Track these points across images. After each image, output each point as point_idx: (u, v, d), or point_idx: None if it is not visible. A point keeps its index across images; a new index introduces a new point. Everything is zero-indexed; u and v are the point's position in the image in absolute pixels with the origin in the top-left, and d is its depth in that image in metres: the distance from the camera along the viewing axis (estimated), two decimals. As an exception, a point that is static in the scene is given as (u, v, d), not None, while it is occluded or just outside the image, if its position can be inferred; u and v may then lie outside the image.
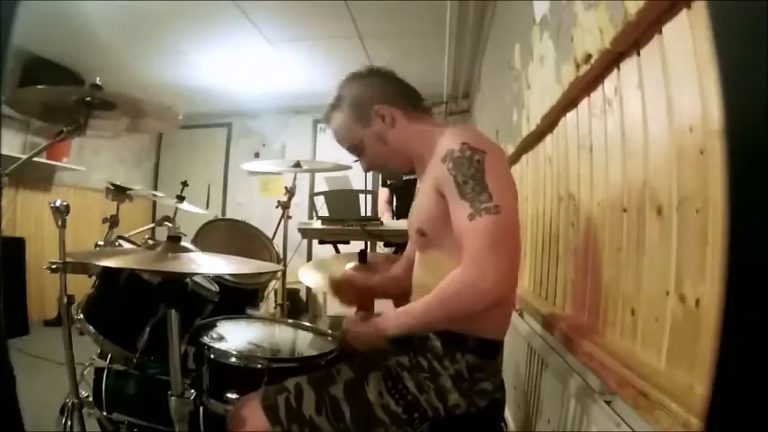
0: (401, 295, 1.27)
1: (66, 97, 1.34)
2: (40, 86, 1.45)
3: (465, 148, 0.96)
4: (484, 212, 0.92)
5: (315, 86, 4.49)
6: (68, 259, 1.32)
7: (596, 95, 1.10)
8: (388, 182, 3.45)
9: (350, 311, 1.28)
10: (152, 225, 2.51)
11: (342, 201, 2.42)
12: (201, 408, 1.10)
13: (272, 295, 2.42)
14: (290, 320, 1.49)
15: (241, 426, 0.97)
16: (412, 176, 3.36)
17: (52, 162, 4.01)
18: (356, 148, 1.16)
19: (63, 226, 1.33)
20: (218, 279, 1.59)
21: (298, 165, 2.23)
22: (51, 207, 1.31)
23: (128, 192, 2.07)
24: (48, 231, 3.75)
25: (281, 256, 2.25)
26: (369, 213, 3.41)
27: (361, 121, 1.12)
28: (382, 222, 2.37)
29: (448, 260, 0.97)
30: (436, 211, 1.02)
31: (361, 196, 3.16)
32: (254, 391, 1.02)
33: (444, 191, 0.99)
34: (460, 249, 0.94)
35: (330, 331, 1.32)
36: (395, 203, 3.48)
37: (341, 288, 1.30)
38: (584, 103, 1.19)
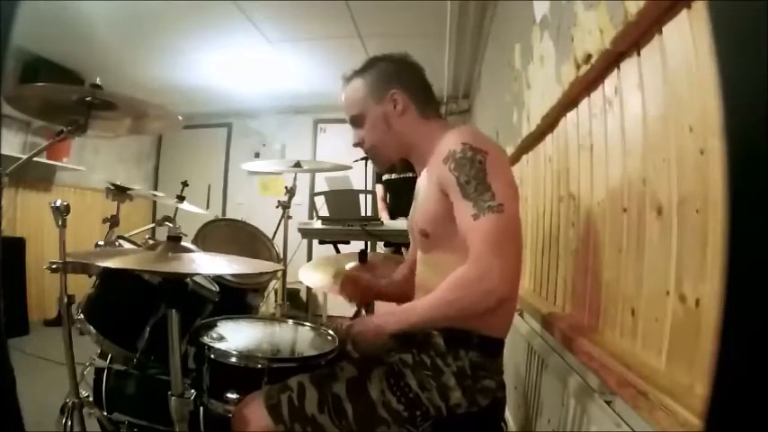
0: (402, 300, 1.28)
1: (67, 96, 1.34)
2: (39, 84, 1.45)
3: (466, 149, 0.97)
4: (488, 211, 0.92)
5: (315, 86, 4.49)
6: (68, 259, 1.31)
7: (596, 95, 1.10)
8: (383, 178, 3.46)
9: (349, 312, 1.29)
10: (152, 225, 2.52)
11: (342, 201, 2.42)
12: (202, 408, 1.10)
13: (272, 295, 2.43)
14: (291, 319, 1.48)
15: (245, 425, 0.97)
16: (409, 174, 3.35)
17: (52, 162, 4.01)
18: (358, 120, 1.16)
19: (63, 226, 1.33)
20: (218, 279, 1.59)
21: (298, 165, 2.23)
22: (51, 207, 1.31)
23: (128, 192, 2.07)
24: (48, 231, 3.75)
25: (281, 256, 2.25)
26: (369, 213, 3.41)
27: (375, 96, 1.13)
28: (382, 222, 2.37)
29: (452, 260, 0.97)
30: (439, 212, 1.02)
31: (362, 196, 3.16)
32: (257, 391, 1.02)
33: (447, 191, 0.99)
34: (464, 249, 0.94)
35: (330, 331, 1.32)
36: (388, 201, 3.48)
37: (347, 283, 1.32)
38: (584, 103, 1.19)
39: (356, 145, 1.20)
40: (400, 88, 1.12)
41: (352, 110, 1.16)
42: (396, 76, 1.13)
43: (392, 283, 1.34)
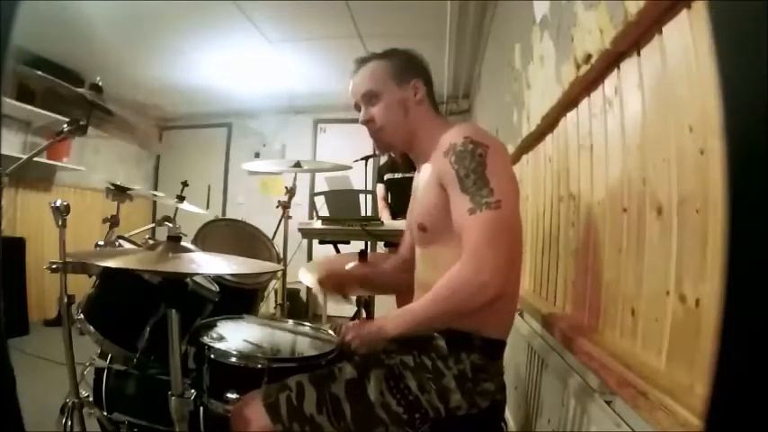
0: (390, 289, 1.33)
1: (67, 95, 1.34)
2: (40, 73, 1.44)
3: (467, 142, 0.98)
4: (484, 207, 0.92)
5: (315, 86, 4.49)
6: (68, 259, 1.32)
7: (596, 95, 1.10)
8: (385, 178, 3.46)
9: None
10: (152, 225, 2.52)
11: (342, 201, 2.42)
12: (202, 408, 1.10)
13: (272, 295, 2.43)
14: (290, 321, 1.48)
15: (243, 424, 0.97)
16: (411, 174, 3.37)
17: (52, 162, 4.00)
18: (373, 96, 1.13)
19: (63, 226, 1.33)
20: (218, 279, 1.59)
21: (298, 165, 2.23)
22: (51, 207, 1.31)
23: (128, 192, 2.07)
24: (48, 231, 3.75)
25: (281, 256, 2.25)
26: (369, 213, 3.41)
27: (397, 79, 1.13)
28: (382, 222, 2.37)
29: (450, 255, 0.97)
30: (438, 206, 1.02)
31: (362, 196, 3.16)
32: (255, 390, 1.02)
33: (446, 184, 0.99)
34: (461, 244, 0.94)
35: (330, 331, 1.32)
36: (390, 200, 3.48)
37: (324, 280, 1.35)
38: (584, 103, 1.19)
39: (364, 122, 1.16)
40: (421, 80, 1.14)
41: (369, 85, 1.13)
42: (419, 67, 1.16)
43: (378, 272, 1.36)
